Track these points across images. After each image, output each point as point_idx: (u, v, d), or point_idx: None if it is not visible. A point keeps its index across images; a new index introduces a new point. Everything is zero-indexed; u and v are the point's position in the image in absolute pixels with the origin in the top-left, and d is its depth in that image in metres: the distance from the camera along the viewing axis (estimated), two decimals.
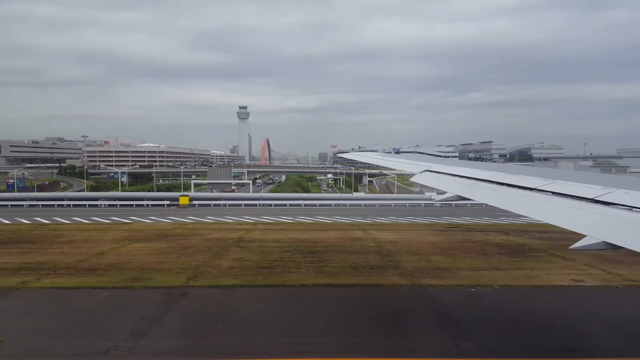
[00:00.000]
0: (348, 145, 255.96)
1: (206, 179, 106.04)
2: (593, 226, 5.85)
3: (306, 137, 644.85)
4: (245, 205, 59.47)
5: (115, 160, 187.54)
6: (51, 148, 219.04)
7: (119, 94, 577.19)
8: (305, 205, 60.40)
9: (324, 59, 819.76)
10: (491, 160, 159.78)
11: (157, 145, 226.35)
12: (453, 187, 10.11)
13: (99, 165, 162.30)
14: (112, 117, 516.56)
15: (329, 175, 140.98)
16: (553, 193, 7.37)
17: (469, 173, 10.38)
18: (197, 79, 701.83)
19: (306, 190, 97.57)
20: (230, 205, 59.38)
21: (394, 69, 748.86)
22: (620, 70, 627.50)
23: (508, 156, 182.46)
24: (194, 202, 59.15)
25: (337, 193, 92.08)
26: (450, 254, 25.31)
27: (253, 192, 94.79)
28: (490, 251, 26.37)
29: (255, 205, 59.62)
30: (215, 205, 59.19)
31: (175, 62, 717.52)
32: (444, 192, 10.64)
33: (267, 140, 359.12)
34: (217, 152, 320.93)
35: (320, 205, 60.44)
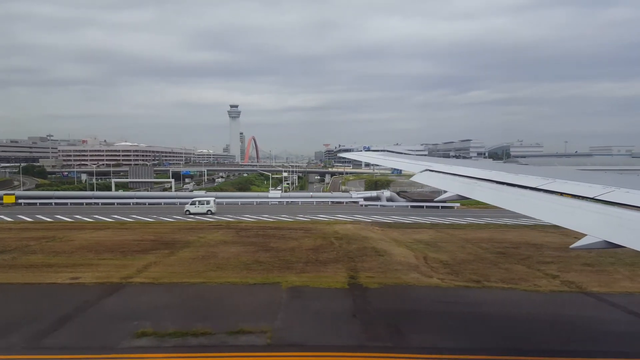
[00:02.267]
0: (342, 143, 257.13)
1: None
2: (593, 225, 5.86)
3: (308, 135, 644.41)
4: (71, 204, 58.61)
5: (90, 160, 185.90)
6: (30, 147, 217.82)
7: (120, 93, 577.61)
8: (134, 204, 59.77)
9: (326, 57, 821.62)
10: (468, 158, 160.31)
11: (136, 144, 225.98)
12: (453, 187, 10.10)
13: (72, 165, 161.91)
14: (114, 116, 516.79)
15: (284, 174, 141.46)
16: (554, 192, 7.38)
17: (469, 172, 10.37)
18: (199, 78, 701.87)
19: (244, 190, 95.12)
20: (56, 204, 58.52)
21: (397, 67, 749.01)
22: (623, 68, 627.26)
23: (486, 154, 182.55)
24: (21, 200, 58.80)
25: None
26: (98, 251, 25.61)
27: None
28: (149, 247, 27.01)
29: (82, 204, 58.88)
30: (42, 204, 58.47)
31: (178, 61, 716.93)
32: (445, 191, 10.61)
33: (253, 139, 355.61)
34: (204, 150, 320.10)
35: (149, 204, 60.09)
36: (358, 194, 62.06)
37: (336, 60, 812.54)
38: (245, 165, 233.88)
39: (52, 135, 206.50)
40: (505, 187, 8.66)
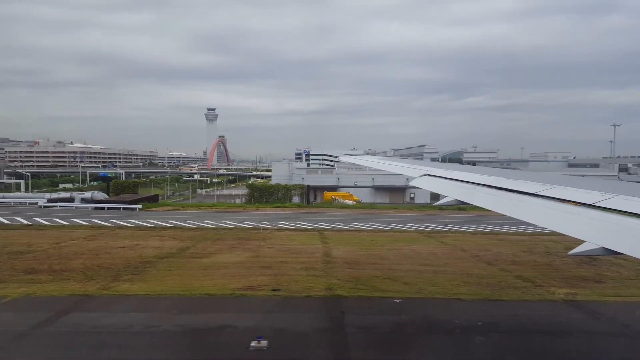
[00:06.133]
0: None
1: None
2: (592, 232, 5.86)
3: (304, 138, 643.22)
4: None
5: (37, 161, 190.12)
6: None
7: (120, 95, 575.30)
8: None
9: (325, 61, 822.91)
10: None
11: (89, 146, 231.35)
12: (452, 192, 10.05)
13: (17, 166, 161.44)
14: (113, 118, 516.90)
15: (196, 177, 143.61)
16: (552, 198, 7.37)
17: (468, 177, 10.33)
18: (198, 81, 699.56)
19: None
20: None
21: (396, 72, 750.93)
22: (622, 76, 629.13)
23: (440, 159, 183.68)
24: None
25: None
26: None
27: None
28: None
29: None
30: None
31: (177, 64, 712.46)
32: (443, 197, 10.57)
33: (221, 142, 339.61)
34: (175, 153, 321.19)
35: None
36: (48, 195, 62.75)
37: (335, 64, 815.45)
38: (206, 170, 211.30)
39: None
40: (504, 192, 8.64)
